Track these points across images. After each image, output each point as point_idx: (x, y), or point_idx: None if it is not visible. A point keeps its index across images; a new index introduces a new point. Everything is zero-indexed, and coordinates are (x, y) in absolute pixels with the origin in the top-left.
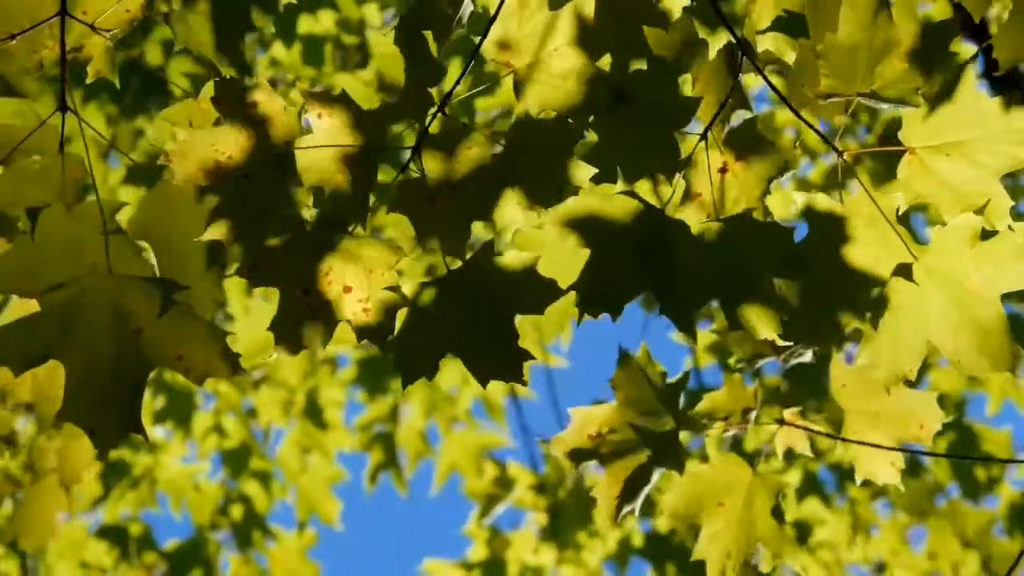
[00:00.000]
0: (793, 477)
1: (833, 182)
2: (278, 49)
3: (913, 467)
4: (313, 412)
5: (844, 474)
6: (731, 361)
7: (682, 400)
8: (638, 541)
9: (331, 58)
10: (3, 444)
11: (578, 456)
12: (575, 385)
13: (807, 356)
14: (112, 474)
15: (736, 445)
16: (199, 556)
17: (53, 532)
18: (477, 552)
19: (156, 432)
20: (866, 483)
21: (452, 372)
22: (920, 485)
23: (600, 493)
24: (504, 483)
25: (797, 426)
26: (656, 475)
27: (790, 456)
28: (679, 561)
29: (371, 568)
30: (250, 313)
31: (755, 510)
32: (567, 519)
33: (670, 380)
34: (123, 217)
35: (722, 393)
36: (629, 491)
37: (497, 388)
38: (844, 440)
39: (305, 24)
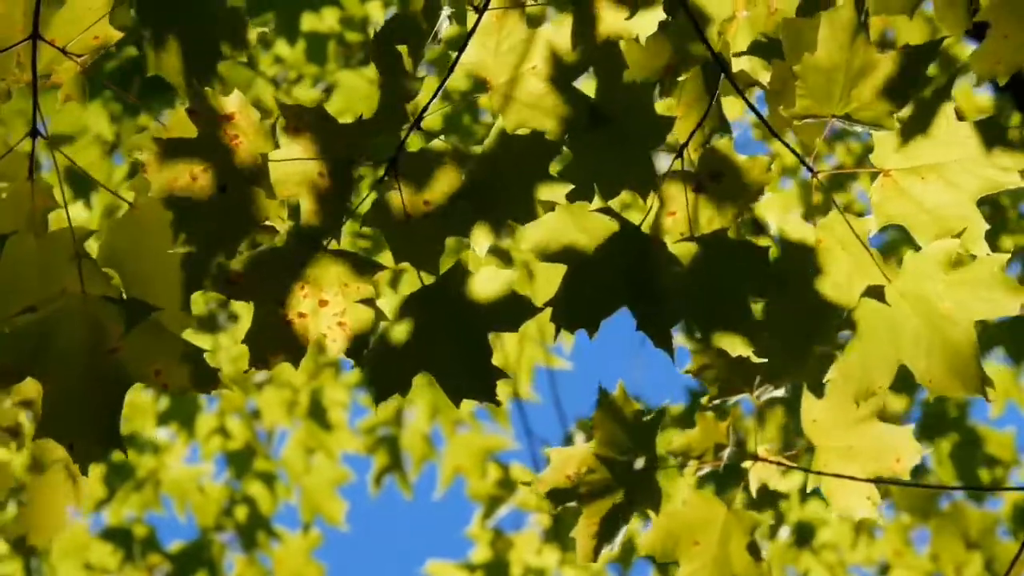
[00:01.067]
0: (794, 479)
1: (808, 199)
2: (281, 47)
3: (916, 468)
4: (317, 413)
5: None
6: (704, 400)
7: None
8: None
9: (334, 55)
10: (7, 435)
11: (557, 497)
12: (578, 387)
13: (780, 391)
14: (116, 476)
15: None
16: (203, 557)
17: (62, 526)
18: (480, 554)
19: (160, 434)
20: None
21: None
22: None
23: (578, 533)
24: (507, 485)
25: (771, 461)
26: (632, 515)
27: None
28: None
29: (375, 569)
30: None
31: (730, 548)
32: (570, 521)
33: (645, 419)
34: (91, 245)
35: (696, 431)
36: (606, 531)
37: (501, 390)
38: (818, 474)
39: (308, 21)
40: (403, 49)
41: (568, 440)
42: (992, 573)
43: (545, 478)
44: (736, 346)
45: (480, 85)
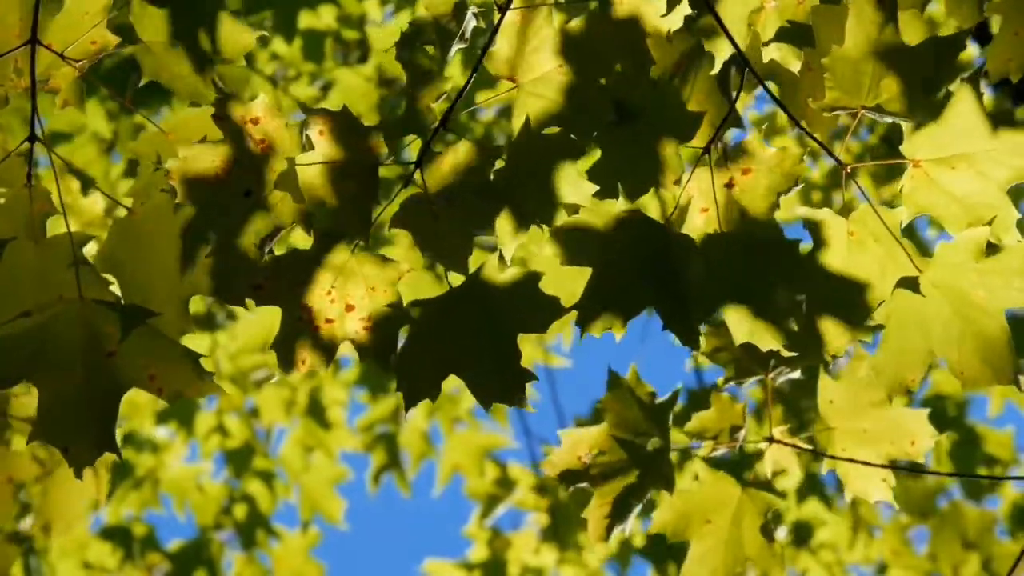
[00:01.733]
0: (794, 478)
1: (835, 185)
2: (278, 44)
3: (915, 468)
4: (316, 411)
5: None
6: (719, 380)
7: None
8: (639, 541)
9: (331, 53)
10: (29, 425)
11: (569, 478)
12: (577, 386)
13: (795, 373)
14: (115, 475)
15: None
16: (203, 556)
17: (82, 519)
18: (478, 552)
19: (159, 433)
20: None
21: None
22: (922, 485)
23: (590, 514)
24: (505, 484)
25: (786, 444)
26: (646, 495)
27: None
28: (680, 561)
29: (374, 567)
30: (253, 311)
31: (743, 528)
32: (568, 520)
33: (658, 400)
34: (90, 250)
35: (711, 412)
36: (619, 511)
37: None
38: (833, 458)
39: (305, 19)
40: (430, 50)
41: None
42: (990, 573)
43: (556, 460)
44: (767, 341)
45: (507, 83)
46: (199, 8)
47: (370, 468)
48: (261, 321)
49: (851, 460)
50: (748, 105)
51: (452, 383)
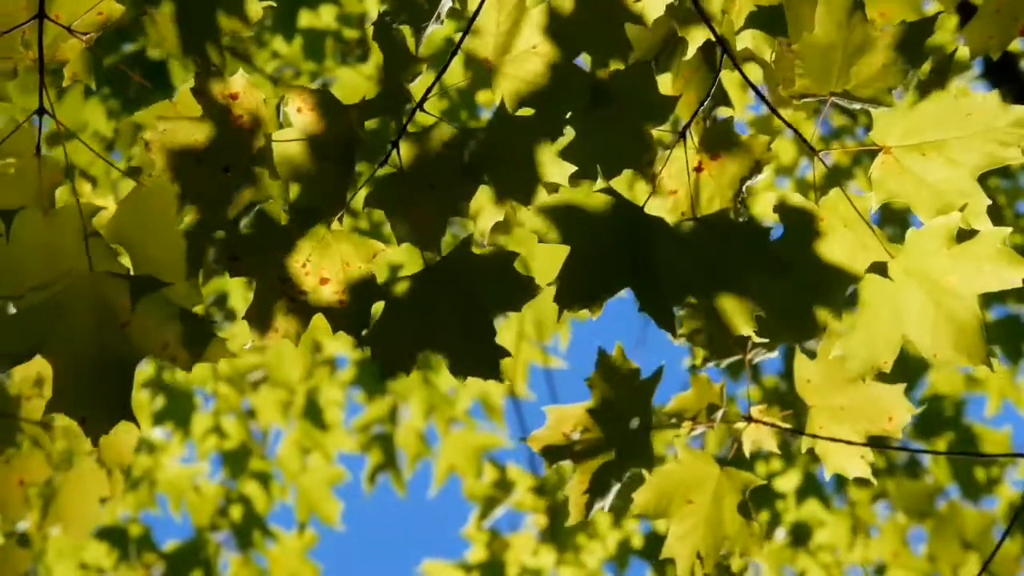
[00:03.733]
0: (792, 478)
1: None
2: (279, 43)
3: (912, 468)
4: (313, 413)
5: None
6: (697, 361)
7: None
8: (637, 542)
9: (332, 52)
10: (41, 428)
11: (551, 453)
12: (575, 386)
13: (773, 353)
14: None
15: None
16: (199, 557)
17: (97, 518)
18: (476, 554)
19: (155, 433)
20: (865, 483)
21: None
22: (919, 486)
23: (571, 491)
24: (503, 485)
25: (764, 423)
26: (625, 472)
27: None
28: None
29: (371, 569)
30: None
31: (723, 507)
32: (566, 521)
33: (642, 379)
34: (100, 221)
35: (690, 393)
36: (597, 488)
37: (496, 389)
38: (811, 436)
39: (305, 18)
40: (405, 30)
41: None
42: (989, 574)
43: (540, 435)
44: (738, 325)
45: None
46: None
47: (366, 468)
48: None
49: (830, 439)
50: (746, 105)
51: (448, 382)
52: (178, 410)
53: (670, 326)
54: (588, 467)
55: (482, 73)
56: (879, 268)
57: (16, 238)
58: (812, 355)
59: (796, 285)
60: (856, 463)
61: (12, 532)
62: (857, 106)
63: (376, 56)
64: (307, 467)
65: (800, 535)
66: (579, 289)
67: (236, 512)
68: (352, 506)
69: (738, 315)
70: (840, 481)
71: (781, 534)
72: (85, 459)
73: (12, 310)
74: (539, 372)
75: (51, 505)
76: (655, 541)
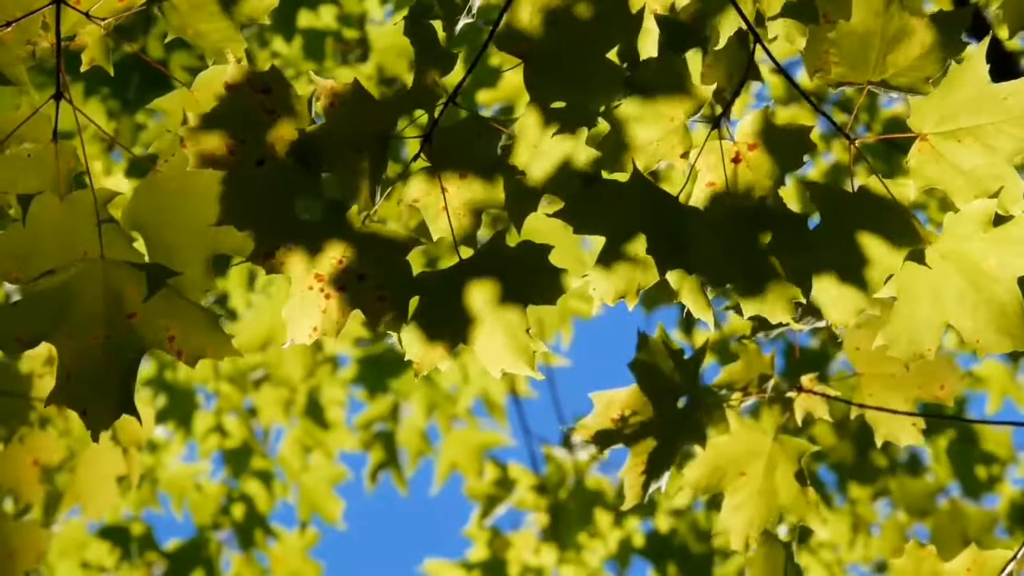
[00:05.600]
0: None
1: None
2: (278, 43)
3: (913, 466)
4: (314, 411)
5: (844, 474)
6: (748, 331)
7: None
8: (639, 541)
9: (331, 52)
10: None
11: (603, 439)
12: (576, 385)
13: (822, 322)
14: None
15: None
16: (201, 556)
17: (114, 498)
18: (478, 553)
19: (157, 432)
20: (867, 480)
21: (452, 370)
22: (921, 484)
23: (626, 474)
24: (505, 484)
25: (815, 393)
26: (680, 451)
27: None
28: (680, 561)
29: (372, 567)
30: (252, 308)
31: (777, 477)
32: (568, 519)
33: (687, 357)
34: (115, 207)
35: (739, 364)
36: (654, 469)
37: (498, 387)
38: (861, 406)
39: (305, 18)
40: (437, 24)
41: (566, 439)
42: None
43: (589, 423)
44: (776, 312)
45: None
46: None
47: (368, 466)
48: (259, 321)
49: (880, 409)
50: (748, 104)
51: (450, 380)
52: (180, 409)
53: (708, 316)
54: (641, 449)
55: (516, 66)
56: (917, 254)
57: (33, 222)
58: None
59: (832, 274)
60: (908, 431)
61: (26, 511)
62: (894, 94)
63: (376, 56)
64: (309, 465)
65: (801, 533)
66: (615, 280)
67: (238, 511)
68: (354, 504)
69: (777, 302)
70: (841, 482)
71: (782, 532)
72: (100, 438)
73: (20, 296)
74: (540, 371)
75: (67, 487)
76: (656, 540)
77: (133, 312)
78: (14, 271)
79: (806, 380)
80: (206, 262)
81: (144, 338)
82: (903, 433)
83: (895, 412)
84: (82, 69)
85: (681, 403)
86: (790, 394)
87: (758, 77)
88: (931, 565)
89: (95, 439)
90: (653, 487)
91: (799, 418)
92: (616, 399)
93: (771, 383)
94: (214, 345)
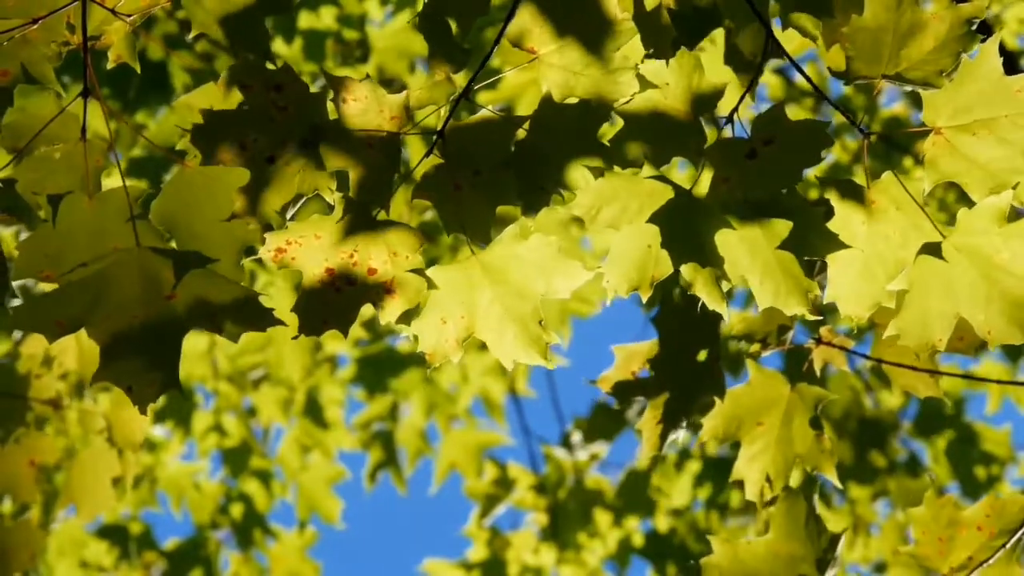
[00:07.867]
0: (792, 478)
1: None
2: (279, 44)
3: (912, 466)
4: (313, 411)
5: (844, 473)
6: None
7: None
8: (638, 541)
9: (332, 53)
10: (50, 407)
11: (622, 391)
12: (576, 385)
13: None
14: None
15: None
16: (199, 555)
17: (110, 499)
18: (477, 552)
19: (156, 431)
20: (865, 480)
21: (451, 369)
22: (920, 484)
23: (644, 425)
24: (504, 484)
25: (833, 345)
26: (698, 403)
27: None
28: (679, 561)
29: (371, 567)
30: None
31: (794, 427)
32: (567, 519)
33: (709, 310)
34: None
35: (759, 315)
36: (671, 420)
37: (497, 386)
38: (879, 361)
39: (305, 20)
40: (451, 21)
41: (566, 439)
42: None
43: (608, 376)
44: (792, 305)
45: (526, 54)
46: None
47: (366, 466)
48: None
49: (895, 364)
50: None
51: (449, 380)
52: (178, 408)
53: (721, 308)
54: (659, 401)
55: (528, 62)
56: (932, 248)
57: (63, 222)
58: None
59: (846, 267)
60: (926, 382)
61: (22, 511)
62: (908, 88)
63: (376, 57)
64: (307, 465)
65: None
66: (629, 273)
67: (236, 510)
68: (352, 504)
69: (791, 296)
70: (840, 482)
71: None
72: (96, 439)
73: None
74: (540, 370)
75: (64, 487)
76: (655, 540)
77: (171, 295)
78: (46, 270)
79: (824, 331)
80: (237, 254)
81: (184, 317)
82: (921, 384)
83: (912, 368)
84: (108, 67)
85: (701, 356)
86: (808, 344)
87: (778, 49)
88: (950, 512)
89: (143, 412)
90: (670, 438)
91: (817, 368)
92: (636, 352)
93: (790, 334)
94: (256, 320)
